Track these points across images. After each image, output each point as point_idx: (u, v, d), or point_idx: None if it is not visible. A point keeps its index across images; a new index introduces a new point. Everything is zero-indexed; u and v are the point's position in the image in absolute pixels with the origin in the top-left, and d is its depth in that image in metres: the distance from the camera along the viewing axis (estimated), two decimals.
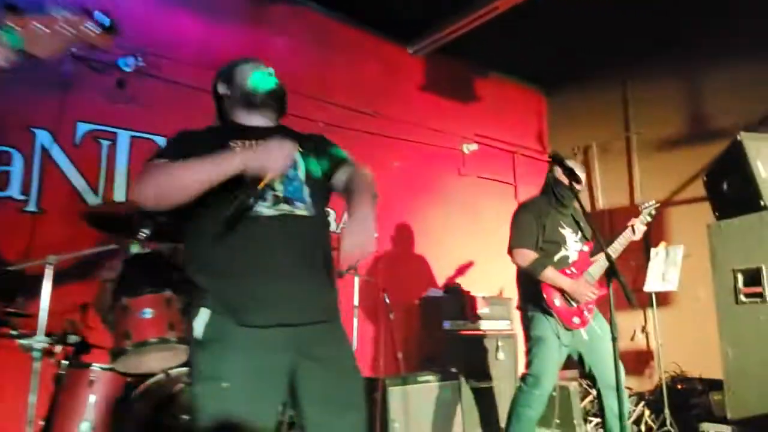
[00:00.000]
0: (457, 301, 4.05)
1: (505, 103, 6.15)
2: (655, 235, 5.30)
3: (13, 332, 2.29)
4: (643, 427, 3.84)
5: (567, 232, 2.98)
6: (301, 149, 1.75)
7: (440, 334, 4.00)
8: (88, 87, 3.57)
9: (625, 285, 2.07)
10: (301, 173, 1.73)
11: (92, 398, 2.29)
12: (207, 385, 1.50)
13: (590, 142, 6.04)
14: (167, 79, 3.82)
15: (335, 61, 4.83)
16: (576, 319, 2.80)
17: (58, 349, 2.48)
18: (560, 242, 2.92)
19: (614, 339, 2.05)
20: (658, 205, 3.19)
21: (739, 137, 3.36)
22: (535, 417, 2.76)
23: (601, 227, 5.70)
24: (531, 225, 2.93)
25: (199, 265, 1.62)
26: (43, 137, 3.40)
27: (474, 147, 5.57)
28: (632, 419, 3.96)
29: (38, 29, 1.22)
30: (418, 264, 4.81)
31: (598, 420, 4.02)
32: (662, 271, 3.84)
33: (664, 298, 5.12)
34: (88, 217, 2.65)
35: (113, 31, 1.30)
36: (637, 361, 5.09)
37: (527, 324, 2.92)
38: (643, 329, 5.31)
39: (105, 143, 3.61)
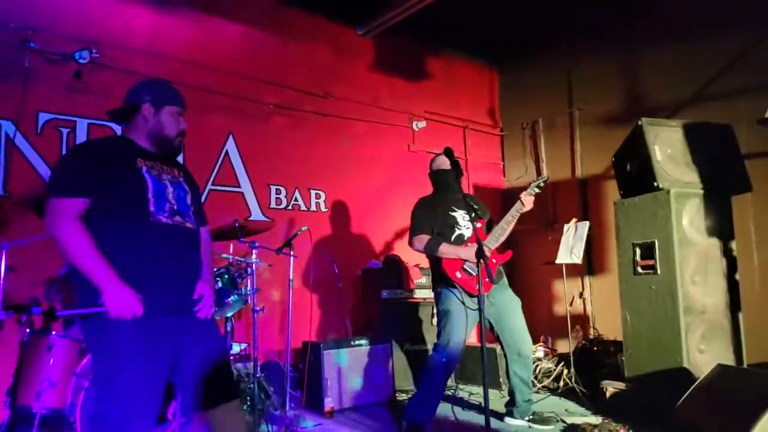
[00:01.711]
0: (395, 272, 4.46)
1: (457, 80, 6.43)
2: (592, 208, 5.76)
3: None
4: (560, 384, 4.31)
5: (459, 214, 3.36)
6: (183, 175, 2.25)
7: (379, 303, 4.41)
8: (47, 79, 3.86)
9: (488, 267, 2.47)
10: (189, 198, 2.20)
11: (48, 362, 2.69)
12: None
13: (537, 118, 6.36)
14: (121, 69, 4.09)
15: (287, 45, 5.09)
16: (478, 286, 3.22)
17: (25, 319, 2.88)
18: (452, 224, 3.30)
19: (480, 310, 2.45)
20: (546, 179, 3.52)
21: (640, 122, 3.72)
22: (444, 381, 3.18)
23: (544, 198, 6.10)
24: (424, 215, 3.33)
25: None
26: (7, 127, 3.70)
27: (423, 124, 5.89)
28: (552, 377, 4.43)
29: None
30: (364, 236, 5.20)
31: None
32: (571, 245, 4.25)
33: (600, 267, 5.59)
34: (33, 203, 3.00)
35: None
36: (572, 324, 5.57)
37: (437, 299, 3.33)
38: (581, 295, 5.77)
39: (65, 131, 3.92)
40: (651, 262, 3.56)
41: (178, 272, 2.08)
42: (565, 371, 4.34)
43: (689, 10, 4.88)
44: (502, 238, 3.33)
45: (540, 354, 4.75)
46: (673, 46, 5.00)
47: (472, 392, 4.28)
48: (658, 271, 3.50)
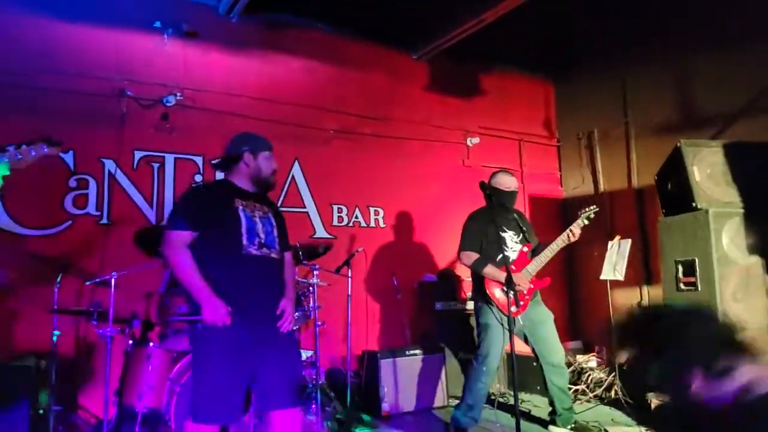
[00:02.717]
0: (449, 285, 4.78)
1: (510, 95, 6.63)
2: (648, 218, 5.80)
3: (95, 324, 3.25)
4: (612, 394, 4.46)
5: (508, 235, 3.64)
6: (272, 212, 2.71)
7: (434, 314, 4.74)
8: (140, 121, 4.47)
9: (516, 296, 2.76)
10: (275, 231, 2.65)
11: (148, 368, 3.23)
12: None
13: (593, 128, 6.45)
14: (200, 108, 4.66)
15: (345, 73, 5.52)
16: (513, 308, 3.49)
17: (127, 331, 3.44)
18: (501, 244, 3.56)
19: (510, 331, 2.75)
20: (596, 209, 3.73)
21: (678, 144, 3.84)
22: (484, 389, 3.49)
23: (603, 209, 6.19)
24: (475, 231, 3.60)
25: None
26: (109, 164, 4.34)
27: (476, 140, 6.15)
28: (603, 387, 4.58)
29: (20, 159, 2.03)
30: (420, 250, 5.53)
31: (576, 387, 4.70)
32: (614, 262, 4.39)
33: (657, 278, 5.63)
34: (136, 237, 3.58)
35: (58, 145, 2.06)
36: None
37: (477, 313, 3.64)
38: (639, 304, 5.84)
39: (156, 165, 4.53)
40: (692, 279, 3.69)
41: (263, 293, 2.56)
42: (618, 381, 4.49)
43: (744, 19, 4.87)
44: (543, 264, 3.57)
45: (593, 364, 4.90)
46: (727, 55, 4.99)
47: (524, 399, 4.51)
48: (699, 288, 3.63)
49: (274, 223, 2.70)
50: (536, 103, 6.91)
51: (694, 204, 3.68)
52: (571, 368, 4.92)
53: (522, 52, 6.33)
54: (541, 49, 6.27)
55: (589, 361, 4.89)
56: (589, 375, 4.64)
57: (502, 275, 3.42)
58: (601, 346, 5.42)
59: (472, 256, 3.56)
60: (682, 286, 3.78)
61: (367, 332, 5.08)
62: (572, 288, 6.50)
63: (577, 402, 4.36)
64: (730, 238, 3.62)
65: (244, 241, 2.52)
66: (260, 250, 2.57)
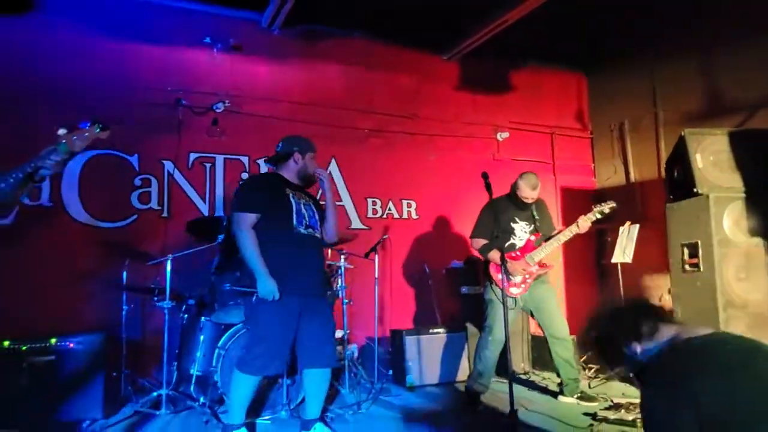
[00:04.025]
0: (473, 271, 5.12)
1: (542, 89, 6.85)
2: None
3: (155, 299, 3.84)
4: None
5: (519, 225, 3.96)
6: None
7: (460, 297, 5.11)
8: (193, 126, 5.07)
9: (508, 274, 3.12)
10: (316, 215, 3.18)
11: (200, 338, 3.79)
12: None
13: (624, 119, 6.59)
14: (246, 113, 5.21)
15: (378, 76, 5.95)
16: (514, 289, 3.83)
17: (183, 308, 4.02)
18: (510, 232, 3.91)
19: (504, 306, 3.11)
20: (613, 206, 3.95)
21: (683, 133, 4.04)
22: (492, 357, 3.83)
23: (633, 199, 6.35)
24: (486, 219, 3.94)
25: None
26: (168, 166, 4.96)
27: (506, 135, 6.44)
28: None
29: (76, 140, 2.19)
30: (449, 239, 5.89)
31: (596, 366, 4.94)
32: (624, 245, 4.59)
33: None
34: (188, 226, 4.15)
35: (108, 128, 2.28)
36: None
37: (484, 291, 4.01)
38: (669, 291, 5.97)
39: (207, 165, 5.12)
40: (696, 261, 3.89)
41: (310, 266, 3.09)
42: None
43: None
44: (547, 252, 3.88)
45: None
46: (754, 45, 5.05)
47: (544, 377, 4.80)
48: (701, 269, 3.83)
49: (315, 210, 3.23)
50: (568, 96, 7.10)
51: (696, 190, 3.88)
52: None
53: (553, 47, 6.53)
54: (572, 42, 6.46)
55: None
56: None
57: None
58: None
59: (479, 242, 3.93)
60: (687, 267, 3.99)
61: (399, 314, 5.52)
62: (605, 275, 6.65)
63: (597, 379, 4.60)
64: (732, 221, 3.80)
65: (295, 222, 3.04)
66: (307, 230, 3.10)
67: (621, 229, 4.75)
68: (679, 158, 4.08)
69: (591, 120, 7.14)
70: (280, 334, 2.93)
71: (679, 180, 4.11)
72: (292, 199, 3.10)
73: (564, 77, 7.06)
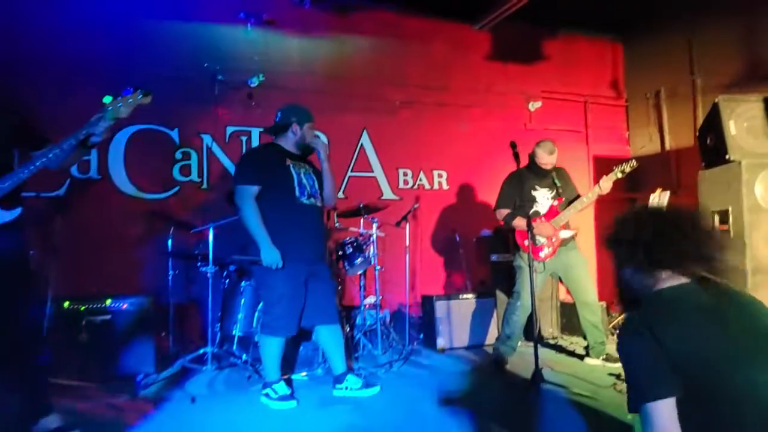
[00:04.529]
0: (502, 239, 5.20)
1: (576, 57, 6.78)
2: None
3: (199, 264, 4.07)
4: None
5: (540, 192, 4.02)
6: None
7: (490, 264, 5.22)
8: (230, 101, 5.25)
9: (534, 237, 3.21)
10: (316, 184, 3.26)
11: (241, 301, 4.02)
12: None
13: (660, 87, 6.49)
14: (280, 87, 5.35)
15: (408, 48, 5.99)
16: (542, 253, 3.92)
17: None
18: (532, 201, 3.98)
19: (530, 269, 3.22)
20: (634, 165, 4.00)
21: (717, 100, 4.01)
22: (519, 321, 3.94)
23: (668, 167, 6.30)
24: (509, 190, 4.02)
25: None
26: (207, 139, 5.17)
27: (538, 104, 6.42)
28: None
29: (121, 107, 2.38)
30: (479, 208, 5.96)
31: None
32: None
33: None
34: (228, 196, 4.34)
35: (150, 93, 2.44)
36: None
37: (514, 258, 4.10)
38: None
39: (244, 138, 5.31)
40: (726, 227, 3.90)
41: (313, 234, 3.23)
42: None
43: None
44: (571, 215, 3.94)
45: None
46: None
47: (572, 341, 4.90)
48: (731, 235, 3.84)
49: (315, 179, 3.34)
50: (603, 64, 7.00)
51: (728, 156, 3.86)
52: (622, 314, 5.23)
53: (587, 14, 6.43)
54: (607, 8, 6.34)
55: None
56: None
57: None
58: None
59: (503, 212, 4.03)
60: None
61: (430, 281, 5.68)
62: None
63: None
64: (764, 187, 3.79)
65: (297, 193, 3.18)
66: (309, 199, 3.24)
67: (652, 196, 4.74)
68: (713, 125, 4.05)
69: (626, 87, 7.04)
70: (291, 297, 3.12)
71: (712, 147, 4.09)
72: (293, 170, 3.22)
73: (598, 44, 6.95)
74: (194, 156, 5.14)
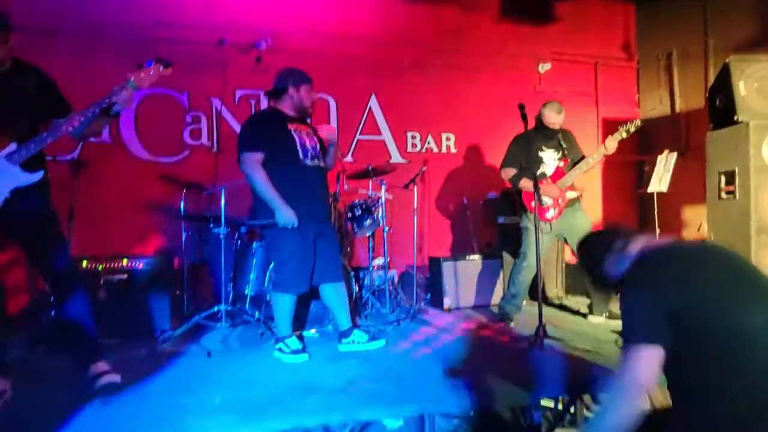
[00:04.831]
0: (509, 201, 5.25)
1: (587, 18, 6.68)
2: None
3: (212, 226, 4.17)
4: None
5: (547, 153, 4.05)
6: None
7: (497, 227, 5.29)
8: (238, 65, 5.26)
9: (540, 197, 3.26)
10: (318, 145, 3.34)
11: (253, 261, 4.12)
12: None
13: (672, 49, 6.40)
14: (289, 50, 5.35)
15: (418, 9, 5.94)
16: (548, 214, 3.97)
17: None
18: (539, 162, 4.02)
19: (536, 229, 3.28)
20: (639, 124, 4.01)
21: (727, 60, 3.98)
22: (525, 281, 4.03)
23: (677, 129, 6.27)
24: (515, 151, 4.06)
25: None
26: (216, 103, 5.21)
27: (548, 66, 6.37)
28: None
29: (143, 78, 2.52)
30: (488, 171, 5.99)
31: None
32: (660, 174, 4.61)
33: None
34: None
35: (170, 65, 2.58)
36: None
37: (520, 219, 4.16)
38: None
39: (252, 101, 5.35)
40: (732, 188, 3.93)
41: (318, 195, 3.31)
42: None
43: None
44: (577, 176, 3.98)
45: None
46: None
47: (577, 301, 4.99)
48: (737, 196, 3.87)
49: (317, 141, 3.40)
50: (615, 26, 6.91)
51: (736, 117, 3.86)
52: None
53: None
54: None
55: None
56: None
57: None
58: None
59: (509, 172, 4.07)
60: (723, 195, 4.03)
61: (437, 243, 5.77)
62: (647, 206, 6.65)
63: None
64: None
65: (300, 155, 3.23)
66: (312, 161, 3.30)
67: (659, 158, 4.76)
68: (723, 86, 4.03)
69: (637, 49, 6.95)
70: (301, 255, 3.22)
71: (721, 108, 4.08)
72: (294, 134, 3.26)
73: (610, 5, 6.84)
74: (204, 120, 5.20)
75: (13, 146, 2.39)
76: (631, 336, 1.46)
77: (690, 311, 1.40)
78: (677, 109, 6.39)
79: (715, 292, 1.42)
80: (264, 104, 5.37)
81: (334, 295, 3.41)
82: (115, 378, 2.55)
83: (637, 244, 1.67)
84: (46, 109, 2.57)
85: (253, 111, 5.33)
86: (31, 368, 3.06)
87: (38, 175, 2.46)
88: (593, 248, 1.80)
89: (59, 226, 2.65)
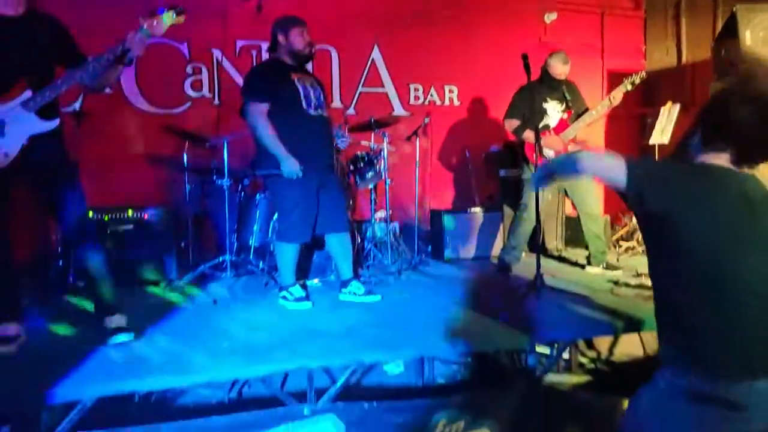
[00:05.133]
0: (511, 154, 5.26)
1: None
2: None
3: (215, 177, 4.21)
4: None
5: (551, 105, 4.04)
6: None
7: (498, 180, 5.32)
8: (239, 14, 5.18)
9: (540, 150, 3.29)
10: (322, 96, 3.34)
11: (256, 213, 4.18)
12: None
13: None
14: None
15: None
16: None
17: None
18: (542, 113, 4.01)
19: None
20: (644, 76, 3.99)
21: (735, 9, 3.91)
22: (525, 233, 4.10)
23: (683, 81, 6.20)
24: (519, 102, 4.05)
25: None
26: (217, 53, 5.16)
27: (554, 16, 6.24)
28: None
29: (156, 25, 2.47)
30: (491, 124, 5.97)
31: (629, 244, 5.18)
32: (663, 126, 4.60)
33: None
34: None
35: (183, 12, 2.50)
36: None
37: (521, 171, 4.19)
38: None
39: (254, 52, 5.29)
40: None
41: (322, 145, 3.33)
42: None
43: None
44: (580, 128, 3.97)
45: None
46: None
47: (576, 254, 5.07)
48: None
49: (320, 91, 3.39)
50: None
51: (740, 68, 3.82)
52: (625, 227, 5.37)
53: None
54: None
55: None
56: (640, 234, 5.08)
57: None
58: None
59: (513, 123, 4.07)
60: None
61: (439, 196, 5.81)
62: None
63: (627, 254, 4.86)
64: None
65: (304, 105, 3.24)
66: (316, 110, 3.30)
67: (662, 109, 4.74)
68: (729, 35, 3.98)
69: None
70: (304, 205, 3.26)
71: (726, 58, 4.04)
72: (297, 84, 3.25)
73: None
74: (204, 71, 5.16)
75: (28, 93, 2.39)
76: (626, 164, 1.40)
77: (704, 240, 1.35)
78: (684, 60, 6.29)
79: (741, 233, 1.36)
80: (265, 56, 5.30)
81: (338, 245, 3.47)
82: (128, 336, 2.59)
83: (711, 159, 1.47)
84: (61, 57, 2.57)
85: (254, 62, 5.28)
86: (43, 313, 3.16)
87: (54, 123, 2.47)
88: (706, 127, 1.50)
89: (77, 175, 2.68)
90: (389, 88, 5.76)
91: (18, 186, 2.52)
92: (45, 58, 2.52)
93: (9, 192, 2.49)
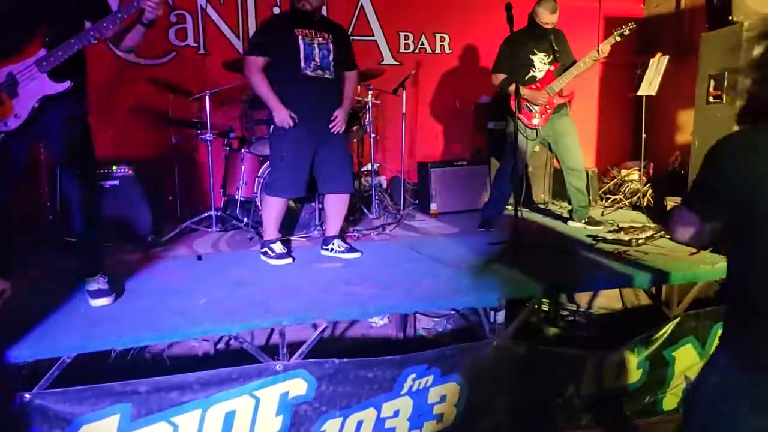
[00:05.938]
0: (500, 106, 5.19)
1: None
2: None
3: (198, 132, 4.20)
4: (644, 202, 4.94)
5: (537, 57, 3.96)
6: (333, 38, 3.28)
7: (486, 132, 5.29)
8: None
9: (519, 106, 3.25)
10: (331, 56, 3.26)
11: (243, 168, 4.19)
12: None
13: None
14: None
15: None
16: (535, 120, 3.97)
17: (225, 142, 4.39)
18: (529, 65, 3.94)
19: (515, 132, 3.29)
20: (633, 27, 3.89)
21: None
22: (508, 186, 4.11)
23: (680, 28, 6.04)
24: (505, 54, 3.96)
25: None
26: (201, 1, 5.03)
27: None
28: (636, 196, 5.04)
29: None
30: (482, 74, 5.84)
31: (614, 197, 5.20)
32: (651, 78, 4.52)
33: None
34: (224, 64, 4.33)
35: None
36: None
37: (506, 125, 4.16)
38: None
39: (239, 1, 5.15)
40: (719, 93, 3.87)
41: (317, 104, 3.28)
42: (650, 192, 4.93)
43: None
44: (567, 81, 3.91)
45: (634, 176, 5.28)
46: None
47: (562, 206, 5.11)
48: (723, 101, 3.83)
49: (331, 49, 3.29)
50: None
51: (731, 17, 3.72)
52: (614, 180, 5.38)
53: None
54: None
55: (631, 174, 5.28)
56: (628, 186, 5.09)
57: (524, 92, 3.86)
58: (647, 161, 5.62)
59: (499, 77, 4.01)
60: (710, 99, 3.97)
61: (427, 148, 5.78)
62: (644, 108, 6.59)
63: (611, 209, 4.89)
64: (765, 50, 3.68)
65: (302, 65, 3.19)
66: (315, 71, 3.24)
67: (651, 61, 4.65)
68: None
69: None
70: (294, 160, 3.26)
71: (718, 7, 3.92)
72: (300, 41, 3.18)
73: None
74: (189, 19, 5.05)
75: (42, 52, 2.34)
76: (687, 197, 1.49)
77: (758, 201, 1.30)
78: (683, 5, 6.11)
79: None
80: (251, 4, 5.20)
81: (335, 205, 3.48)
82: (107, 300, 2.61)
83: None
84: (82, 14, 2.47)
85: (240, 11, 5.16)
86: (30, 270, 3.24)
87: (64, 85, 2.40)
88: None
89: (88, 137, 2.62)
90: (378, 36, 5.64)
91: (21, 148, 2.46)
92: (62, 16, 2.40)
93: (9, 153, 2.42)
